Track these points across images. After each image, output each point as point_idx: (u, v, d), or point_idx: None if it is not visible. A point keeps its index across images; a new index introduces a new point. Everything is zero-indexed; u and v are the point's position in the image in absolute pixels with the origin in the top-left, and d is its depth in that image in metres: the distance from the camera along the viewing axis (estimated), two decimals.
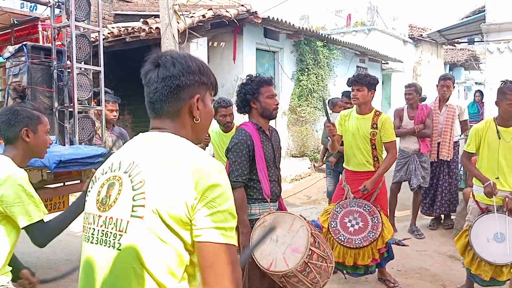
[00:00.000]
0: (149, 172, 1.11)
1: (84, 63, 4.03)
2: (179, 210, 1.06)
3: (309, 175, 9.22)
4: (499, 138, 3.34)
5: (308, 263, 2.30)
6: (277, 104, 2.73)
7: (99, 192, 1.17)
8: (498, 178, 3.35)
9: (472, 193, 3.56)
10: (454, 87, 5.27)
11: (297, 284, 2.39)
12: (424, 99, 6.36)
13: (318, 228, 3.60)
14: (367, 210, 3.52)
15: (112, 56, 8.63)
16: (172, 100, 1.20)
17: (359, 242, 3.43)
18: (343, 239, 3.47)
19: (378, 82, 3.79)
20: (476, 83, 22.96)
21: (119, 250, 1.08)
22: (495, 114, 3.47)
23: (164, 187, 1.08)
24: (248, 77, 2.78)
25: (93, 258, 1.13)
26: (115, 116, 4.04)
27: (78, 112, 3.81)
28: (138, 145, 1.21)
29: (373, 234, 3.43)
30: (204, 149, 4.51)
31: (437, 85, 5.26)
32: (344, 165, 3.93)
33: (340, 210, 3.59)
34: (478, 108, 8.72)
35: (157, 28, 6.54)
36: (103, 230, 1.12)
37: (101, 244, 1.12)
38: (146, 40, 7.01)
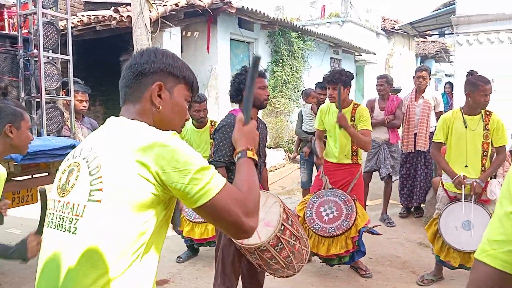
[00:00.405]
0: (106, 157, 1.12)
1: (52, 52, 3.92)
2: (142, 189, 1.07)
3: (284, 166, 9.28)
4: (466, 127, 3.44)
5: (281, 238, 2.37)
6: (268, 95, 2.84)
7: (60, 178, 1.21)
8: (467, 166, 3.46)
9: (441, 181, 3.66)
10: (430, 78, 5.38)
11: (270, 261, 2.44)
12: (399, 90, 6.49)
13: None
14: (342, 199, 3.58)
15: (82, 45, 8.41)
16: (135, 86, 1.24)
17: (333, 230, 3.49)
18: (317, 228, 3.52)
19: (353, 77, 3.85)
20: (446, 75, 23.53)
21: (74, 234, 1.10)
22: (463, 103, 3.56)
23: (121, 169, 1.08)
24: (243, 68, 2.89)
25: (51, 242, 1.15)
26: (84, 106, 3.94)
27: (46, 103, 3.71)
28: (101, 131, 1.23)
29: (347, 222, 3.49)
30: None
31: (413, 77, 5.36)
32: (324, 156, 3.98)
33: (316, 200, 3.65)
34: (448, 99, 8.94)
35: (128, 16, 6.40)
36: (60, 215, 1.14)
37: (58, 229, 1.14)
38: (117, 29, 6.85)
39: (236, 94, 2.83)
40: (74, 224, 1.10)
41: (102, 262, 1.06)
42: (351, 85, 3.83)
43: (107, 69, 10.38)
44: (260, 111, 10.00)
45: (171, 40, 6.68)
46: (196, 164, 1.10)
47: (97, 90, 8.82)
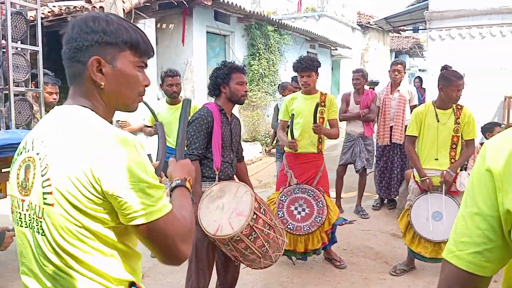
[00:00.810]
0: (53, 157, 1.06)
1: (21, 43, 3.80)
2: (87, 193, 1.02)
3: (260, 160, 9.30)
4: (438, 121, 3.52)
5: (254, 227, 2.39)
6: (246, 91, 2.85)
7: (18, 174, 1.14)
8: (437, 159, 3.55)
9: (413, 174, 3.74)
10: (405, 72, 5.48)
11: (245, 252, 2.44)
12: (377, 83, 6.58)
13: None
14: (311, 195, 3.60)
15: (53, 37, 8.17)
16: (73, 65, 1.11)
17: (308, 228, 3.53)
18: (292, 228, 3.54)
19: (320, 63, 3.89)
20: (420, 70, 24.00)
21: (43, 235, 1.08)
22: (435, 98, 3.64)
23: (67, 171, 1.02)
24: (222, 63, 2.89)
25: (26, 240, 1.13)
26: (54, 99, 3.84)
27: (15, 95, 3.60)
28: (49, 121, 1.13)
29: (320, 218, 3.53)
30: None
31: (389, 71, 5.44)
32: (285, 149, 3.95)
33: (285, 198, 3.64)
34: (419, 94, 9.13)
35: (101, 7, 6.24)
36: (29, 215, 1.11)
37: (29, 228, 1.12)
38: None
39: (214, 88, 2.86)
40: (40, 226, 1.08)
41: (72, 261, 1.06)
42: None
43: None
44: (236, 106, 9.99)
45: (145, 31, 6.55)
46: (145, 180, 1.03)
47: (67, 82, 8.61)
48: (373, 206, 5.66)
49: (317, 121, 3.69)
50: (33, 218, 1.09)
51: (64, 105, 1.15)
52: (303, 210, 3.59)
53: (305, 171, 3.77)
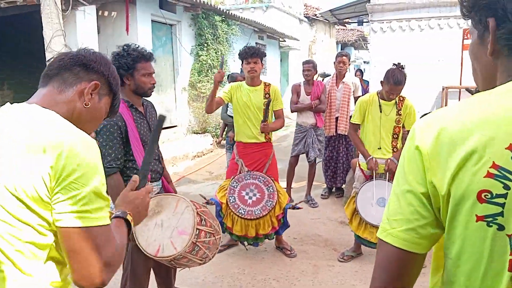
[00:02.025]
0: (5, 148, 1.02)
1: None
2: (38, 189, 0.99)
3: (211, 152, 9.22)
4: (381, 112, 3.64)
5: (197, 243, 2.26)
6: (154, 84, 2.51)
7: None
8: (380, 148, 3.67)
9: (359, 162, 3.85)
10: (349, 64, 5.60)
11: (187, 263, 2.36)
12: (328, 75, 6.66)
13: (217, 205, 3.62)
14: (262, 181, 3.64)
15: None
16: (71, 73, 1.21)
17: (259, 212, 3.54)
18: (243, 213, 3.55)
19: (265, 53, 3.88)
20: (364, 62, 24.82)
21: None
22: (377, 89, 3.75)
23: (20, 163, 1.00)
24: (124, 49, 2.45)
25: None
26: None
27: None
28: (8, 119, 1.10)
29: (271, 202, 3.56)
30: None
31: (334, 62, 5.53)
32: (235, 139, 3.96)
33: (237, 184, 3.65)
34: (361, 85, 9.42)
35: None
36: None
37: None
38: (24, 7, 6.24)
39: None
40: None
41: (6, 261, 1.03)
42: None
43: (16, 50, 9.52)
44: (185, 96, 9.81)
45: (85, 20, 6.23)
46: (92, 184, 1.02)
47: (4, 73, 8.06)
48: (321, 195, 5.79)
49: (262, 112, 3.70)
50: None
51: (34, 104, 1.12)
52: (254, 195, 3.61)
53: (255, 159, 3.80)
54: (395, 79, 3.46)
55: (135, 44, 2.52)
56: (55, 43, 5.50)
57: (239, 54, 3.82)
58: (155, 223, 2.27)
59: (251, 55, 3.69)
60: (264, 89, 3.81)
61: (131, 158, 2.46)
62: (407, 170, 0.86)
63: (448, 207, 0.81)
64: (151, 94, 2.56)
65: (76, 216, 1.00)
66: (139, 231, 2.27)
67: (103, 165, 2.11)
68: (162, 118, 1.47)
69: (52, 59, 1.23)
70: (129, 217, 1.28)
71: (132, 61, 2.41)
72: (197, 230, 2.25)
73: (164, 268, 2.78)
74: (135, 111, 2.52)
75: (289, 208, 3.66)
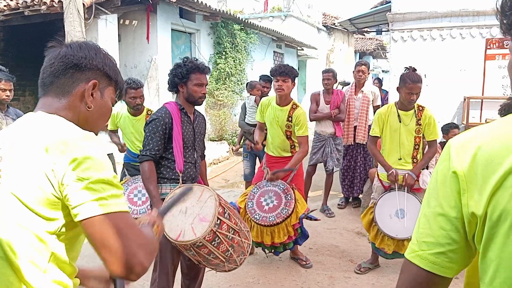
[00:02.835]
0: (10, 152, 1.04)
1: None
2: (44, 188, 0.99)
3: (227, 159, 9.23)
4: (400, 122, 3.58)
5: (217, 233, 2.31)
6: (204, 93, 2.70)
7: None
8: (400, 159, 3.60)
9: (377, 172, 3.79)
10: (369, 73, 5.55)
11: (209, 257, 2.38)
12: (348, 83, 6.62)
13: (235, 208, 3.61)
14: (281, 188, 3.61)
15: (10, 32, 7.80)
16: (65, 78, 1.15)
17: (273, 219, 3.52)
18: (258, 218, 3.54)
19: (298, 74, 3.87)
20: (383, 71, 24.62)
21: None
22: (397, 99, 3.69)
23: (23, 167, 1.00)
24: (184, 60, 2.71)
25: None
26: (8, 96, 3.63)
27: None
28: (15, 127, 1.13)
29: (286, 210, 3.53)
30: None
31: (353, 71, 5.49)
32: (265, 150, 4.01)
33: (257, 190, 3.66)
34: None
35: (59, 1, 6.00)
36: None
37: None
38: (48, 15, 6.40)
39: (172, 85, 2.73)
40: None
41: (8, 269, 1.03)
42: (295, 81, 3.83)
43: (38, 57, 9.75)
44: (203, 103, 9.89)
45: (107, 28, 6.35)
46: (101, 174, 1.00)
47: (26, 79, 8.24)
48: (338, 204, 5.72)
49: (285, 132, 3.75)
50: None
51: (39, 111, 1.13)
52: (272, 202, 3.60)
53: (281, 168, 3.74)
54: (411, 77, 3.42)
55: (195, 58, 2.76)
56: None
57: (270, 71, 3.83)
58: (179, 210, 2.37)
59: (280, 73, 3.66)
60: (289, 112, 3.74)
61: (170, 156, 2.66)
62: (440, 193, 0.84)
63: (484, 229, 0.78)
64: (201, 103, 2.75)
65: (94, 205, 0.97)
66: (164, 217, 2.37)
67: (142, 153, 2.23)
68: (187, 192, 1.61)
69: (44, 64, 1.18)
70: (154, 228, 1.28)
71: (187, 71, 2.63)
72: (218, 220, 2.31)
73: (194, 270, 2.86)
74: (185, 115, 2.72)
75: (303, 218, 3.63)
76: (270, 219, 3.52)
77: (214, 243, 2.32)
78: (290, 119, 3.74)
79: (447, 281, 0.86)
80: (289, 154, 3.84)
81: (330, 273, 3.75)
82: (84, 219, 0.98)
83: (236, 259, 2.48)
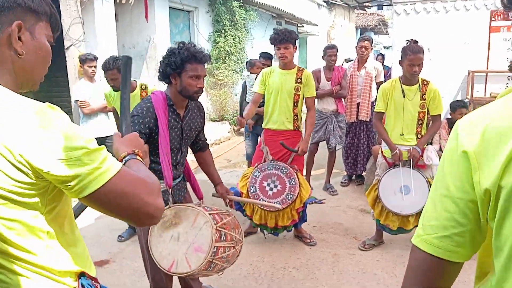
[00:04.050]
0: None
1: None
2: (14, 176, 0.90)
3: (229, 139, 9.18)
4: (404, 97, 3.51)
5: (213, 260, 2.16)
6: (201, 87, 2.32)
7: None
8: (403, 134, 3.55)
9: (381, 149, 3.74)
10: (372, 48, 5.44)
11: (203, 276, 2.30)
12: (351, 60, 6.50)
13: (236, 194, 3.56)
14: (284, 172, 3.55)
15: None
16: None
17: (278, 205, 3.49)
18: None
19: (298, 37, 3.78)
20: (384, 47, 24.31)
21: None
22: (400, 74, 3.62)
23: None
24: (179, 46, 2.31)
25: None
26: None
27: None
28: None
29: (291, 196, 3.49)
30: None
31: (355, 47, 5.39)
32: (263, 125, 3.90)
33: (259, 174, 3.59)
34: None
35: None
36: None
37: None
38: None
39: (163, 75, 2.36)
40: None
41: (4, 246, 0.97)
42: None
43: None
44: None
45: (103, 7, 6.21)
46: (80, 146, 0.92)
47: None
48: (341, 182, 5.69)
49: (292, 97, 3.64)
50: None
51: None
52: (275, 186, 3.55)
53: (280, 148, 3.69)
54: (412, 49, 3.35)
55: (192, 43, 2.34)
56: (73, 31, 5.50)
57: (270, 40, 3.70)
58: (171, 235, 2.18)
59: (280, 41, 3.58)
60: (297, 74, 3.70)
61: (157, 159, 2.35)
62: (446, 173, 0.81)
63: (497, 206, 0.74)
64: (197, 98, 2.40)
65: (90, 180, 0.93)
66: (154, 242, 2.20)
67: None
68: (127, 60, 1.38)
69: None
70: (139, 156, 1.19)
71: (181, 61, 2.26)
72: (215, 248, 2.13)
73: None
74: (173, 113, 2.39)
75: (311, 204, 3.61)
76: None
77: (209, 269, 2.19)
78: (299, 80, 3.68)
79: (456, 266, 0.83)
80: (291, 127, 3.73)
81: (334, 250, 3.74)
82: (87, 196, 0.94)
83: (229, 266, 2.39)
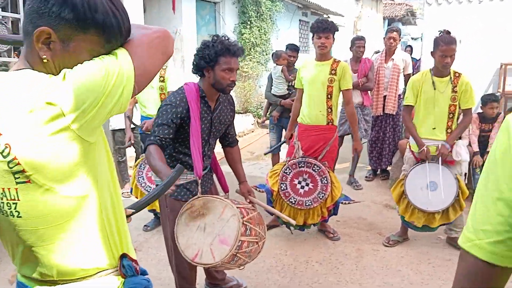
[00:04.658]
0: (8, 132, 0.91)
1: (2, 10, 3.59)
2: (63, 151, 0.93)
3: (253, 131, 9.18)
4: (434, 89, 3.40)
5: (237, 254, 2.15)
6: (233, 80, 2.33)
7: None
8: (434, 128, 3.44)
9: (409, 143, 3.65)
10: (400, 39, 5.31)
11: (225, 269, 2.33)
12: (379, 51, 6.39)
13: (268, 192, 3.53)
14: (316, 170, 3.51)
15: None
16: (27, 24, 0.97)
17: (310, 203, 3.47)
18: (293, 202, 3.49)
19: (338, 29, 3.71)
20: (412, 38, 23.70)
21: (20, 217, 0.97)
22: (431, 66, 3.51)
23: (31, 143, 0.90)
24: (213, 39, 2.32)
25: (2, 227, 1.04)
26: None
27: None
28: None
29: (323, 195, 3.46)
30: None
31: (383, 38, 5.28)
32: (298, 120, 3.82)
33: (290, 171, 3.54)
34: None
35: None
36: None
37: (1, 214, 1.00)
38: None
39: (196, 68, 2.38)
40: (15, 209, 0.96)
41: (56, 235, 1.00)
42: None
43: None
44: None
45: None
46: (102, 84, 0.93)
47: None
48: (366, 177, 5.61)
49: (326, 89, 3.58)
50: (2, 203, 0.96)
51: (15, 70, 1.00)
52: (307, 184, 3.51)
53: (313, 143, 3.63)
54: (444, 39, 3.24)
55: (225, 36, 2.36)
56: None
57: (311, 28, 3.63)
58: (198, 225, 2.19)
59: (323, 29, 3.51)
60: (332, 65, 3.61)
61: (186, 151, 2.38)
62: (499, 174, 0.75)
63: None
64: (229, 92, 2.41)
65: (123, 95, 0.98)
66: (180, 230, 2.21)
67: (148, 139, 2.11)
68: (181, 170, 1.45)
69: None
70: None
71: (215, 54, 2.27)
72: (240, 242, 2.12)
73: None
74: (204, 105, 2.40)
75: (343, 203, 3.56)
76: (307, 204, 3.48)
77: (232, 262, 2.19)
78: (333, 72, 3.59)
79: (509, 271, 0.79)
80: (324, 122, 3.63)
81: (358, 245, 3.70)
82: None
83: (250, 261, 2.38)
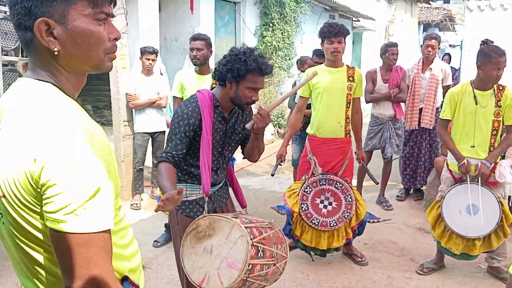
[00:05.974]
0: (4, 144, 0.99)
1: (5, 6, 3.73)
2: (25, 188, 0.96)
3: (272, 142, 9.21)
4: (476, 104, 3.39)
5: (248, 279, 2.13)
6: (255, 101, 2.34)
7: None
8: (473, 146, 3.43)
9: (446, 162, 3.64)
10: (439, 48, 5.29)
11: None
12: None
13: (288, 214, 3.51)
14: (339, 188, 3.52)
15: None
16: (21, 32, 1.01)
17: (334, 224, 3.47)
18: (317, 223, 3.48)
19: (349, 31, 3.77)
20: (450, 45, 23.53)
21: (6, 228, 1.06)
22: (471, 77, 3.51)
23: (9, 164, 0.97)
24: (246, 53, 2.31)
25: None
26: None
27: (3, 65, 3.55)
28: (7, 100, 1.06)
29: (348, 214, 3.47)
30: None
31: (421, 45, 5.27)
32: (308, 131, 3.83)
33: (310, 190, 3.55)
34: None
35: None
36: None
37: None
38: None
39: (220, 77, 2.37)
40: (1, 218, 1.06)
41: (32, 251, 1.05)
42: None
43: None
44: None
45: None
46: (83, 184, 0.92)
47: None
48: (397, 196, 5.58)
49: (346, 97, 3.65)
50: None
51: (25, 78, 1.06)
52: (330, 204, 3.52)
53: (331, 158, 3.66)
54: (497, 51, 3.27)
55: (260, 53, 2.36)
56: (116, 21, 5.71)
57: (320, 32, 3.68)
58: (204, 247, 2.19)
59: (335, 34, 3.55)
60: (348, 72, 3.68)
61: (198, 163, 2.39)
62: None
63: None
64: (246, 109, 2.47)
65: (65, 219, 0.94)
66: (186, 253, 2.22)
67: (160, 155, 2.08)
68: None
69: None
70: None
71: (245, 70, 2.27)
72: (250, 265, 2.10)
73: None
74: (218, 115, 2.42)
75: (369, 222, 3.56)
76: (332, 225, 3.48)
77: (244, 287, 2.17)
78: (351, 78, 3.66)
79: None
80: (342, 135, 3.66)
81: (388, 272, 3.68)
82: (52, 229, 0.98)
83: (269, 284, 2.36)
